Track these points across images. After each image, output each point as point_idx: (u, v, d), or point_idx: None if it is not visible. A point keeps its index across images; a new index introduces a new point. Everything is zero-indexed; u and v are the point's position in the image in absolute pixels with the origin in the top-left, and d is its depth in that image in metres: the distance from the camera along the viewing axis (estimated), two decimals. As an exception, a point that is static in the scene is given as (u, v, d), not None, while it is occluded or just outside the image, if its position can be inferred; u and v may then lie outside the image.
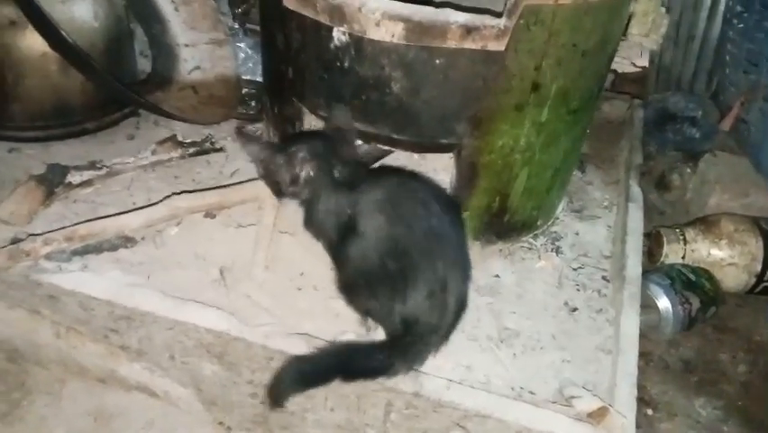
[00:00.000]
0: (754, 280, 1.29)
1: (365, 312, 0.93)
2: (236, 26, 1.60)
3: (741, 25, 1.55)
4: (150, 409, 1.04)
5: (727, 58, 1.62)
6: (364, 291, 0.91)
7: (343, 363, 0.85)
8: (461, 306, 0.89)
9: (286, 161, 0.91)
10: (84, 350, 1.03)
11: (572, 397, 0.87)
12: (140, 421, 1.02)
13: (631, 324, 0.97)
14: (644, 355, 1.18)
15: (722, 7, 1.65)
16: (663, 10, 1.04)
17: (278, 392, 0.85)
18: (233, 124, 1.44)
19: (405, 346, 0.86)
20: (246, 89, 1.51)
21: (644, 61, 2.08)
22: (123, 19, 1.40)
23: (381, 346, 0.88)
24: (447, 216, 0.90)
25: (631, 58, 2.17)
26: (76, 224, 1.04)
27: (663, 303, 1.19)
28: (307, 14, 0.97)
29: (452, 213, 0.93)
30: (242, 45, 1.59)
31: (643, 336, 0.98)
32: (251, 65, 1.57)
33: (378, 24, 0.90)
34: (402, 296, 0.85)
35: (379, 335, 0.91)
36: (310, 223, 0.95)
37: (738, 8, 1.55)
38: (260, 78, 1.52)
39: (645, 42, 1.06)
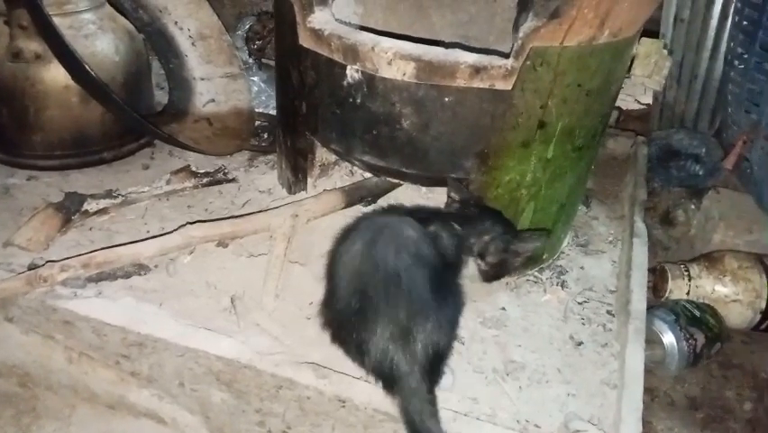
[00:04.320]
0: (758, 317, 1.29)
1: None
2: (250, 61, 1.65)
3: (742, 66, 1.58)
4: (157, 437, 1.05)
5: (729, 97, 1.65)
6: (341, 336, 0.91)
7: None
8: (436, 358, 0.85)
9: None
10: (95, 376, 1.04)
11: (578, 431, 0.88)
12: (147, 448, 1.03)
13: (636, 358, 0.98)
14: (649, 391, 1.18)
15: (723, 48, 1.69)
16: (666, 52, 1.07)
17: None
18: (246, 156, 1.48)
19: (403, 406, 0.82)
20: (259, 122, 1.55)
21: (647, 99, 2.13)
22: (143, 53, 1.45)
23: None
24: (421, 269, 0.88)
25: (635, 95, 2.22)
26: (92, 251, 1.06)
27: (668, 338, 1.19)
28: (322, 53, 1.01)
29: (431, 269, 0.90)
30: (255, 79, 1.64)
31: (648, 371, 0.98)
32: (263, 98, 1.62)
33: (390, 63, 0.94)
34: (367, 342, 0.84)
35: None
36: None
37: (739, 50, 1.59)
38: (272, 111, 1.57)
39: (648, 83, 1.09)
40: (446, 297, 0.91)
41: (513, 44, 0.91)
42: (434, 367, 0.85)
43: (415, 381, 0.82)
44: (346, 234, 0.96)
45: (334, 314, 0.92)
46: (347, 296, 0.88)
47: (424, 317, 0.84)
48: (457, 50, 0.95)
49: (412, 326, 0.83)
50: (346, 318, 0.88)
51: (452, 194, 1.05)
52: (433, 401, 0.84)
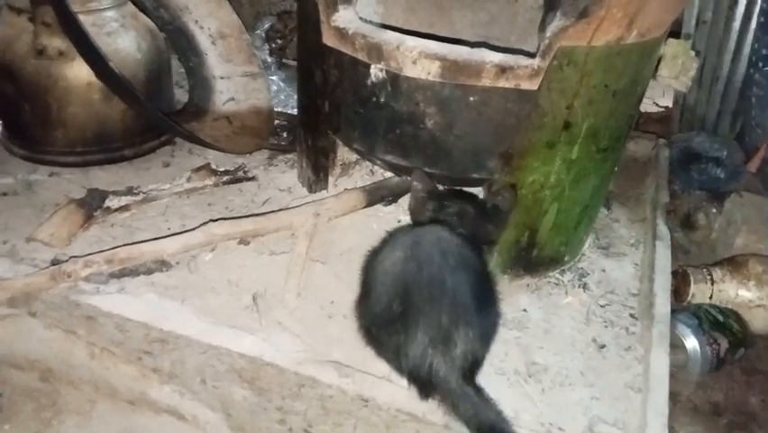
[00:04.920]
0: (783, 322, 1.28)
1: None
2: (269, 60, 1.66)
3: (766, 68, 1.56)
4: (177, 433, 1.05)
5: (753, 100, 1.63)
6: (378, 338, 0.90)
7: None
8: (474, 364, 0.85)
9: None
10: (116, 371, 1.04)
11: (602, 434, 0.87)
12: (167, 444, 1.03)
13: (660, 362, 0.97)
14: (671, 396, 1.16)
15: (746, 50, 1.67)
16: (693, 53, 1.06)
17: None
18: (265, 154, 1.48)
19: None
20: (278, 120, 1.55)
21: (666, 101, 2.11)
22: (164, 51, 1.46)
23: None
24: (464, 275, 0.87)
25: (654, 97, 2.20)
26: (115, 247, 1.07)
27: (691, 343, 1.18)
28: (346, 52, 1.01)
29: (473, 274, 0.90)
30: (274, 78, 1.64)
31: (670, 376, 0.97)
32: (283, 97, 1.63)
33: (414, 62, 0.93)
34: (404, 347, 0.83)
35: None
36: None
37: (764, 51, 1.57)
38: (291, 110, 1.57)
39: (675, 84, 1.08)
40: (488, 309, 0.91)
41: (539, 44, 0.91)
42: (472, 376, 0.84)
43: (457, 383, 0.82)
44: (383, 244, 0.96)
45: (372, 316, 0.90)
46: (388, 300, 0.86)
47: (466, 323, 0.83)
48: (483, 49, 0.94)
49: (454, 330, 0.82)
50: (386, 321, 0.87)
51: (417, 184, 1.03)
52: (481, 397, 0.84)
